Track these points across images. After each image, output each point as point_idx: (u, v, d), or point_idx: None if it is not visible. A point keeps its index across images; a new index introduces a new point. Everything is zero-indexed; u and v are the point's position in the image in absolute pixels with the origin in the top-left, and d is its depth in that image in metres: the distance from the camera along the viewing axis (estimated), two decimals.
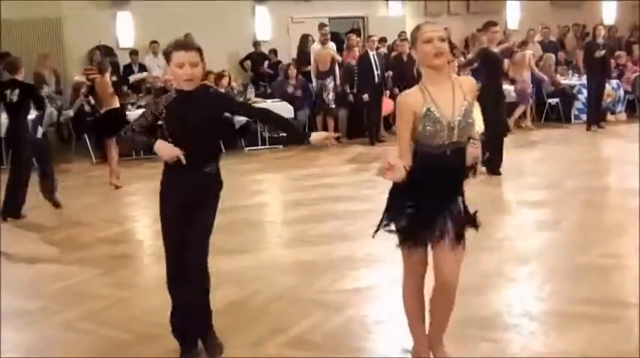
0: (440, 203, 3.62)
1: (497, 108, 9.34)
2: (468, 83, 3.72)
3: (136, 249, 7.18)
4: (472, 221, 3.74)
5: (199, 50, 3.95)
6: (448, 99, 3.55)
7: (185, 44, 3.97)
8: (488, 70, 9.56)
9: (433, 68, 3.55)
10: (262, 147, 13.18)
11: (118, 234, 7.54)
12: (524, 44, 14.74)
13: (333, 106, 13.46)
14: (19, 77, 8.44)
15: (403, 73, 13.49)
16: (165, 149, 3.88)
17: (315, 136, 4.28)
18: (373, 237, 3.81)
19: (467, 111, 3.58)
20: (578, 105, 14.74)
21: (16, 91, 8.28)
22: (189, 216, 4.01)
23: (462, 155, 3.64)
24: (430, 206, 3.60)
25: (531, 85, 14.25)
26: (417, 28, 3.61)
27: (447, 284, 3.65)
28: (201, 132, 3.94)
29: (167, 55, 3.94)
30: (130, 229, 7.96)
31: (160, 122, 4.00)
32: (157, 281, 5.80)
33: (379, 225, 3.78)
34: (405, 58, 13.79)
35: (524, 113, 14.25)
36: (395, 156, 3.48)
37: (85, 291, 5.63)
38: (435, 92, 3.54)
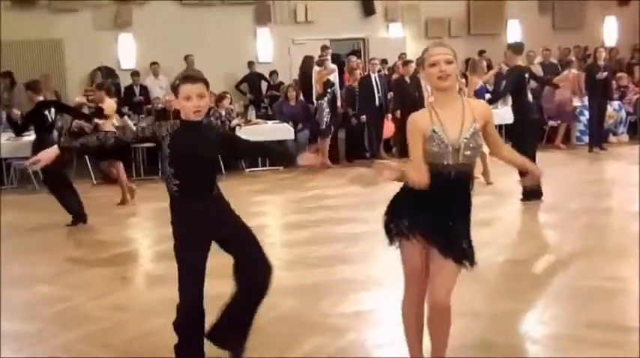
0: (442, 217, 3.62)
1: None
2: (482, 108, 3.72)
3: (135, 271, 7.13)
4: (469, 256, 3.69)
5: (206, 82, 4.00)
6: (456, 120, 3.57)
7: (192, 77, 4.00)
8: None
9: (440, 90, 3.58)
10: (263, 168, 13.16)
11: (116, 256, 7.48)
12: (568, 64, 14.91)
13: (324, 127, 13.34)
14: (44, 97, 9.21)
15: (405, 95, 13.52)
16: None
17: (304, 158, 4.37)
18: (390, 244, 3.82)
19: (474, 134, 3.59)
20: (579, 126, 14.73)
21: (52, 110, 8.98)
22: (217, 239, 4.15)
23: (467, 178, 3.65)
24: (431, 216, 3.61)
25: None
26: (426, 50, 3.67)
27: (440, 302, 3.62)
28: (205, 162, 4.04)
29: (175, 88, 3.99)
30: (130, 251, 7.90)
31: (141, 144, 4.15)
32: (155, 303, 5.77)
33: (387, 228, 3.80)
34: (407, 79, 13.82)
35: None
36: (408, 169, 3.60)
37: (83, 314, 5.57)
38: (442, 113, 3.57)
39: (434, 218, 3.61)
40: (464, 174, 3.62)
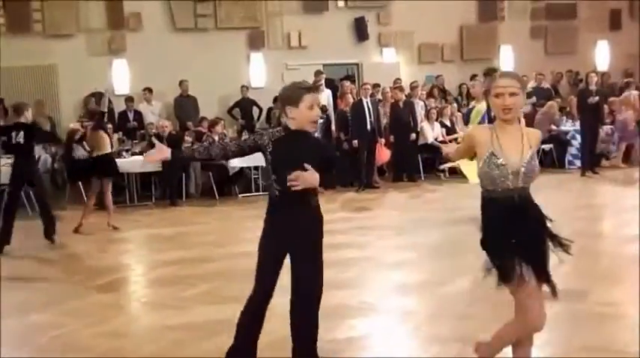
0: (521, 246, 3.74)
1: None
2: (535, 134, 3.90)
3: (129, 297, 7.10)
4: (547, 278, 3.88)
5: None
6: (516, 146, 3.72)
7: (313, 87, 4.21)
8: None
9: (502, 121, 3.76)
10: (256, 193, 13.17)
11: (110, 283, 7.45)
12: (627, 85, 15.12)
13: None
14: (23, 120, 9.10)
15: (397, 119, 13.61)
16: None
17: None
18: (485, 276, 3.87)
19: (532, 159, 3.74)
20: (572, 150, 14.81)
21: (21, 133, 8.96)
22: (296, 250, 4.22)
23: (528, 199, 3.79)
24: (516, 248, 3.73)
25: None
26: (494, 79, 3.81)
27: (541, 327, 3.80)
28: (304, 169, 4.07)
29: (295, 99, 4.07)
30: (123, 278, 7.87)
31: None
32: (149, 330, 5.76)
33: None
34: (401, 105, 13.91)
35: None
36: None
37: (76, 342, 5.52)
38: (502, 137, 3.72)
39: (525, 241, 3.75)
40: (526, 198, 3.76)
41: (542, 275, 3.79)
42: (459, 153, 4.26)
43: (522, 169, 3.67)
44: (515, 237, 3.71)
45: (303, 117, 4.05)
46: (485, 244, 3.80)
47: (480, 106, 9.62)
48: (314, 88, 4.15)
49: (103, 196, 10.42)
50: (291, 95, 4.11)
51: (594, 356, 4.70)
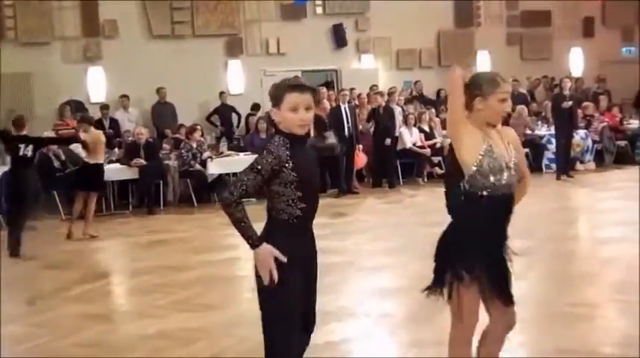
0: (502, 248, 3.73)
1: None
2: (512, 134, 3.88)
3: (107, 307, 7.05)
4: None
5: (314, 92, 3.50)
6: (500, 142, 3.71)
7: (301, 85, 3.42)
8: None
9: (495, 122, 3.73)
10: None
11: (86, 292, 7.40)
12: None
13: None
14: (25, 132, 9.50)
15: (378, 125, 13.70)
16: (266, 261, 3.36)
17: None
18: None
19: (515, 156, 3.74)
20: (548, 155, 14.93)
21: (30, 147, 9.27)
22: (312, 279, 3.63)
23: (512, 198, 3.75)
24: (496, 252, 3.69)
25: None
26: (496, 83, 3.69)
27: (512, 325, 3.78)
28: (318, 183, 3.63)
29: (277, 98, 3.41)
30: (100, 287, 7.81)
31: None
32: (126, 339, 5.74)
33: (443, 272, 3.75)
34: (381, 110, 14.00)
35: None
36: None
37: (53, 352, 5.49)
38: (490, 135, 3.69)
39: (496, 251, 3.68)
40: (511, 196, 3.72)
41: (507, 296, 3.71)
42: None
43: (512, 163, 3.67)
44: (493, 240, 3.68)
45: (285, 121, 3.38)
46: (458, 247, 3.69)
47: None
48: (302, 87, 3.40)
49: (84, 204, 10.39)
50: (274, 93, 3.44)
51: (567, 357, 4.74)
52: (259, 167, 3.31)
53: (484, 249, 3.63)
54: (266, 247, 3.34)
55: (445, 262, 3.74)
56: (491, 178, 3.60)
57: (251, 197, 3.37)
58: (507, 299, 3.69)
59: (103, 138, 10.67)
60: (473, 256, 3.62)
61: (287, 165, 3.30)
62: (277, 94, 3.39)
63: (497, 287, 3.66)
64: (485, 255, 3.63)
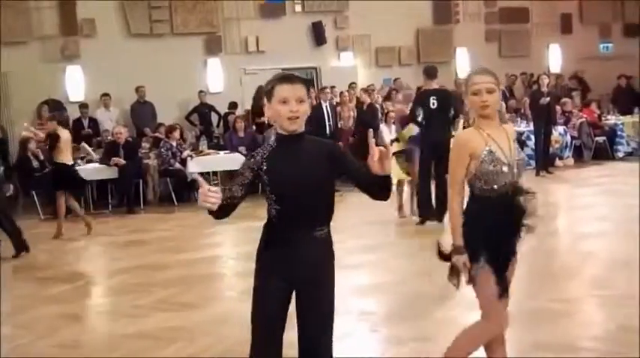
0: (510, 246, 3.77)
1: None
2: (511, 128, 3.92)
3: (85, 307, 7.01)
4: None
5: (306, 84, 3.38)
6: (505, 141, 3.68)
7: (290, 76, 3.33)
8: None
9: (483, 117, 3.69)
10: None
11: (65, 292, 7.35)
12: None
13: None
14: None
15: (361, 123, 13.74)
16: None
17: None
18: (468, 283, 3.79)
19: (520, 153, 3.75)
20: (527, 151, 15.00)
21: None
22: (299, 294, 3.38)
23: (520, 195, 3.74)
24: (505, 251, 3.73)
25: None
26: (469, 78, 3.73)
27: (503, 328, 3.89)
28: (311, 187, 3.29)
29: (268, 92, 3.30)
30: (79, 287, 7.77)
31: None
32: (106, 339, 5.71)
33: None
34: (364, 107, 14.04)
35: None
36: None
37: (31, 354, 5.46)
38: (492, 133, 3.67)
39: (500, 248, 3.70)
40: (518, 191, 3.72)
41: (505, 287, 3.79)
42: (460, 188, 3.72)
43: (515, 162, 3.66)
44: (497, 238, 3.69)
45: (276, 114, 3.26)
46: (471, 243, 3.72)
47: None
48: (292, 78, 3.29)
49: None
50: (265, 88, 3.35)
51: (547, 353, 4.77)
52: (241, 169, 3.33)
53: (487, 247, 3.67)
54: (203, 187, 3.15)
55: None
56: (491, 181, 3.63)
57: (237, 196, 3.27)
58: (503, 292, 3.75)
59: (69, 137, 10.54)
60: (478, 253, 3.67)
61: (262, 166, 3.27)
62: (268, 88, 3.31)
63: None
64: (489, 252, 3.67)
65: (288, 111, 3.22)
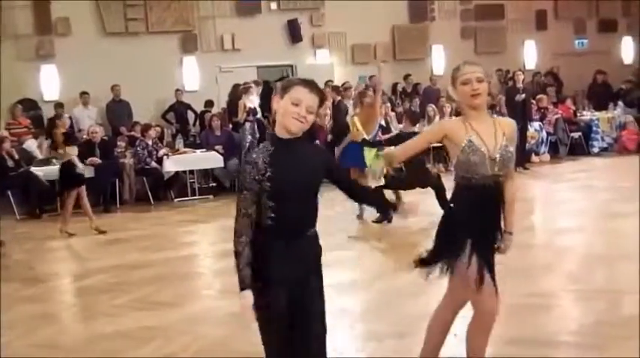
0: (487, 237, 3.84)
1: None
2: (509, 125, 3.91)
3: (61, 307, 6.95)
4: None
5: (322, 97, 3.37)
6: (490, 133, 3.73)
7: (311, 84, 3.29)
8: None
9: (472, 107, 3.74)
10: (192, 197, 13.07)
11: (42, 293, 7.29)
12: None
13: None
14: None
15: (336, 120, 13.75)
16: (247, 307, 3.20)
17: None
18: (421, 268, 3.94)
19: (507, 147, 3.76)
20: None
21: None
22: (302, 294, 3.36)
23: (501, 188, 3.84)
24: (480, 241, 3.77)
25: None
26: (457, 69, 3.79)
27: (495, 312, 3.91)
28: (310, 192, 3.34)
29: (285, 89, 3.27)
30: (55, 287, 7.71)
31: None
32: (83, 339, 5.67)
33: (434, 259, 3.89)
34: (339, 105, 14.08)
35: None
36: None
37: (8, 353, 5.40)
38: (476, 125, 3.72)
39: (484, 237, 3.80)
40: (499, 186, 3.80)
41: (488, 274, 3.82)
42: (409, 148, 3.95)
43: (498, 156, 3.70)
44: (481, 227, 3.76)
45: (283, 111, 3.23)
46: (446, 232, 3.81)
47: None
48: (312, 86, 3.27)
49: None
50: (284, 84, 3.35)
51: (524, 348, 4.79)
52: (245, 184, 3.23)
53: (470, 236, 3.73)
54: (247, 299, 3.20)
55: (440, 242, 3.88)
56: (471, 170, 3.69)
57: (253, 215, 3.22)
58: (479, 285, 3.75)
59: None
60: (459, 240, 3.74)
61: (266, 174, 3.20)
62: (286, 85, 3.30)
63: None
64: (471, 241, 3.74)
65: (296, 113, 3.21)
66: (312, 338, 3.39)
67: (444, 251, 3.84)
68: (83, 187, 10.30)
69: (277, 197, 3.22)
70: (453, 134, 3.72)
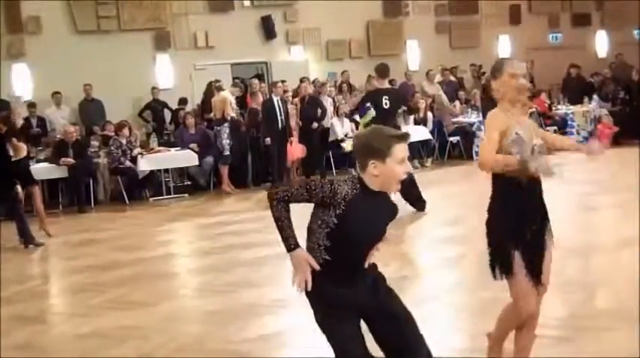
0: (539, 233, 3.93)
1: None
2: (532, 122, 4.04)
3: (38, 308, 6.86)
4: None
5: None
6: (526, 128, 3.80)
7: (406, 136, 3.24)
8: None
9: (515, 102, 3.81)
10: (167, 196, 13.00)
11: (16, 294, 7.20)
12: None
13: (227, 153, 13.36)
14: None
15: (306, 115, 13.73)
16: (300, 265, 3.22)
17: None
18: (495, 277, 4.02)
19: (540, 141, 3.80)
20: (478, 142, 15.15)
21: None
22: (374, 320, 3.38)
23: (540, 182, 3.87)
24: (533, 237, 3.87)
25: None
26: (509, 62, 3.90)
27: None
28: (373, 243, 3.32)
29: (380, 151, 3.15)
30: (30, 288, 7.61)
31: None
32: (59, 340, 5.63)
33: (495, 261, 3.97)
34: (305, 99, 14.07)
35: None
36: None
37: None
38: (518, 119, 3.79)
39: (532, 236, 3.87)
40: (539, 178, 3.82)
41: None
42: (493, 149, 3.76)
43: (536, 149, 3.72)
44: (528, 224, 3.84)
45: (390, 175, 3.14)
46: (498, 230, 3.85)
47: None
48: (406, 137, 3.21)
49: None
50: (377, 146, 3.15)
51: None
52: (312, 188, 3.16)
53: (517, 234, 3.85)
54: (300, 253, 3.22)
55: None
56: (523, 164, 3.69)
57: (289, 203, 3.23)
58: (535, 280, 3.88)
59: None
60: (509, 240, 3.86)
61: (338, 207, 3.13)
62: (381, 146, 3.16)
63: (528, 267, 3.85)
64: (518, 238, 3.86)
65: (403, 174, 3.18)
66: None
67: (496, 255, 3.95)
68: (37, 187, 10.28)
69: (340, 241, 3.16)
70: (507, 126, 3.74)
